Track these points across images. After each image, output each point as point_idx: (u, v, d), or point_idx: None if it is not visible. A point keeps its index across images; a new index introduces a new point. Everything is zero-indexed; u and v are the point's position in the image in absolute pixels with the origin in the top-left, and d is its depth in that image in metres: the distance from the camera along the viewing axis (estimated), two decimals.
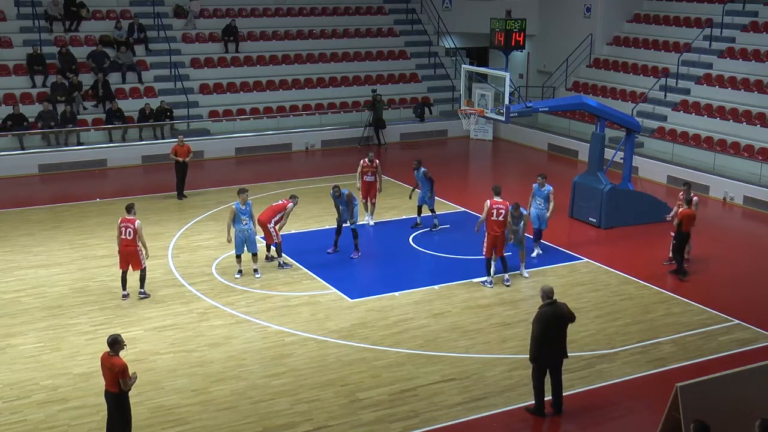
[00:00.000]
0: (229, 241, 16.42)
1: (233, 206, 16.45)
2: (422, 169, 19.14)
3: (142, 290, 15.58)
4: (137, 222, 15.23)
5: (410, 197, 19.72)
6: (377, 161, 19.51)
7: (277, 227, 17.00)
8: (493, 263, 16.21)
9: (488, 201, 15.96)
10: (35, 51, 26.63)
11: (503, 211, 15.88)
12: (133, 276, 15.60)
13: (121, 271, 15.48)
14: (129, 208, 15.53)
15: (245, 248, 16.46)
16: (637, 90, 28.28)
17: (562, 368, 11.75)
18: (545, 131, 29.08)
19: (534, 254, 17.77)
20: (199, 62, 29.23)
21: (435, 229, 19.35)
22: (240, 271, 16.60)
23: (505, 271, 16.37)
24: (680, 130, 25.79)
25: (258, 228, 16.87)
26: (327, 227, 19.63)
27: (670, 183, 24.22)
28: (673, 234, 17.42)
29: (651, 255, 18.10)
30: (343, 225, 17.73)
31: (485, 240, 16.06)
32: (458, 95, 23.74)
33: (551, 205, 17.63)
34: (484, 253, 16.15)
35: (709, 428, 8.70)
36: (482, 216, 16.03)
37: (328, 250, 17.98)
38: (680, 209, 16.70)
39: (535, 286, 15.89)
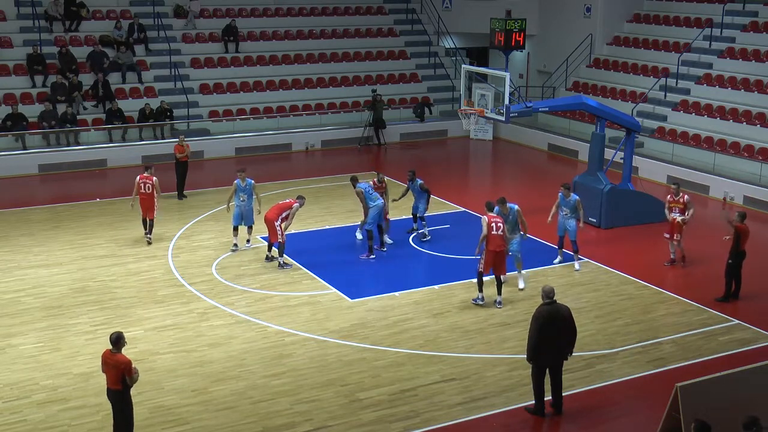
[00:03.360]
0: (228, 211, 18.08)
1: (234, 183, 18.00)
2: (419, 181, 18.55)
3: (149, 235, 18.40)
4: (155, 179, 18.33)
5: (393, 200, 19.16)
6: (386, 181, 18.75)
7: (282, 225, 17.04)
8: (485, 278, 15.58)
9: (485, 216, 15.20)
10: (35, 51, 26.63)
11: (501, 225, 15.18)
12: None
13: (142, 218, 18.58)
14: (147, 167, 18.77)
15: (242, 221, 18.01)
16: (637, 90, 28.27)
17: (562, 369, 11.74)
18: (545, 131, 29.07)
19: (577, 267, 17.23)
20: (199, 62, 29.23)
21: (424, 239, 18.74)
22: (235, 245, 17.99)
23: (499, 293, 15.37)
24: (680, 130, 25.79)
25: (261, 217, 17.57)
26: (327, 227, 19.64)
27: (671, 183, 24.17)
28: (668, 236, 17.35)
29: (651, 255, 18.10)
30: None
31: (483, 256, 15.08)
32: (458, 95, 23.76)
33: (581, 213, 17.14)
34: (480, 269, 15.21)
35: (710, 428, 8.71)
36: (483, 233, 14.98)
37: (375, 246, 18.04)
38: (733, 224, 15.81)
39: (535, 286, 15.88)
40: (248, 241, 18.27)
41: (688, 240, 19.50)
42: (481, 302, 15.36)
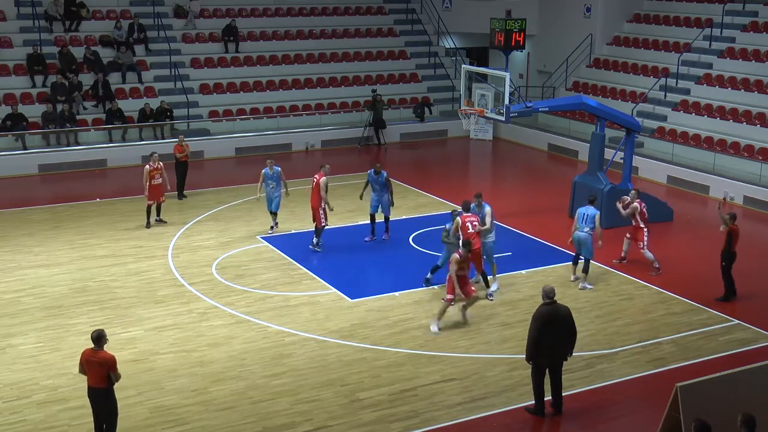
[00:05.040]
0: (258, 199, 19.33)
1: (263, 171, 18.92)
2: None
3: (158, 218, 19.78)
4: (146, 168, 19.39)
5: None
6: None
7: (324, 207, 17.73)
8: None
9: (458, 218, 15.36)
10: (35, 51, 26.64)
11: (476, 224, 15.34)
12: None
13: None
14: (151, 154, 19.87)
15: (272, 205, 19.06)
16: (637, 90, 28.27)
17: (561, 369, 11.75)
18: (545, 131, 29.07)
19: (580, 287, 16.22)
20: (199, 62, 29.23)
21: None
22: (272, 226, 19.27)
23: (487, 286, 15.60)
24: (680, 130, 25.80)
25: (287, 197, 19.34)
26: (327, 227, 19.57)
27: (670, 183, 24.24)
28: (629, 236, 17.30)
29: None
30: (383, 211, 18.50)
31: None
32: (458, 95, 23.75)
33: (598, 230, 16.08)
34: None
35: (710, 428, 8.71)
36: (451, 235, 15.49)
37: (366, 239, 18.72)
38: (730, 224, 15.59)
39: (535, 286, 15.88)
40: (276, 223, 19.29)
41: (689, 239, 19.56)
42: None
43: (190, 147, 22.39)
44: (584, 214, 16.32)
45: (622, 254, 17.63)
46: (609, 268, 17.39)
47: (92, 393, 10.32)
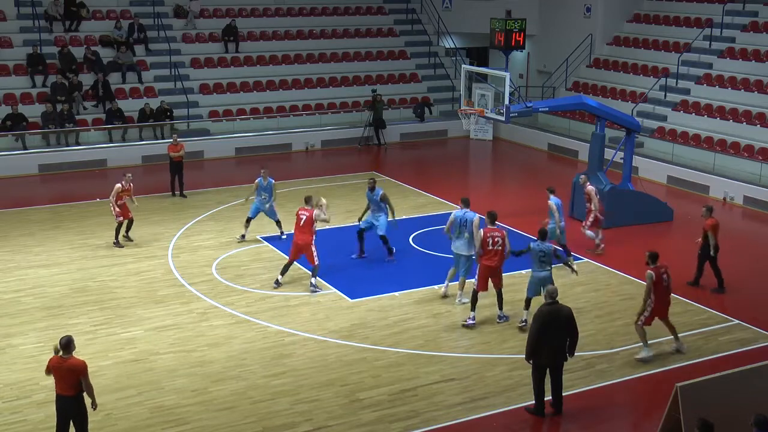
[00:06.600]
0: (245, 203, 19.26)
1: (257, 181, 18.61)
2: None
3: (126, 234, 18.57)
4: (117, 186, 18.31)
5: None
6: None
7: (315, 248, 15.86)
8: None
9: (481, 230, 14.48)
10: (35, 51, 26.64)
11: (499, 239, 14.32)
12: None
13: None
14: (124, 174, 18.76)
15: (257, 215, 18.61)
16: (637, 90, 28.28)
17: (562, 369, 11.74)
18: (545, 131, 29.08)
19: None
20: (199, 62, 29.23)
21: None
22: (243, 236, 18.61)
23: (500, 308, 14.72)
24: (680, 130, 25.80)
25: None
26: (327, 227, 19.59)
27: (670, 183, 24.23)
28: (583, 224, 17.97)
29: None
30: (376, 230, 17.16)
31: (478, 271, 14.56)
32: (458, 95, 23.76)
33: (556, 217, 16.82)
34: (476, 286, 14.50)
35: (712, 426, 8.72)
36: (477, 247, 14.49)
37: (353, 256, 17.70)
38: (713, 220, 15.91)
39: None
40: (282, 233, 18.80)
41: (689, 239, 19.55)
42: (471, 321, 14.49)
43: (184, 147, 22.37)
44: (560, 204, 17.17)
45: (597, 242, 18.12)
46: (609, 268, 17.37)
47: (61, 401, 10.12)
